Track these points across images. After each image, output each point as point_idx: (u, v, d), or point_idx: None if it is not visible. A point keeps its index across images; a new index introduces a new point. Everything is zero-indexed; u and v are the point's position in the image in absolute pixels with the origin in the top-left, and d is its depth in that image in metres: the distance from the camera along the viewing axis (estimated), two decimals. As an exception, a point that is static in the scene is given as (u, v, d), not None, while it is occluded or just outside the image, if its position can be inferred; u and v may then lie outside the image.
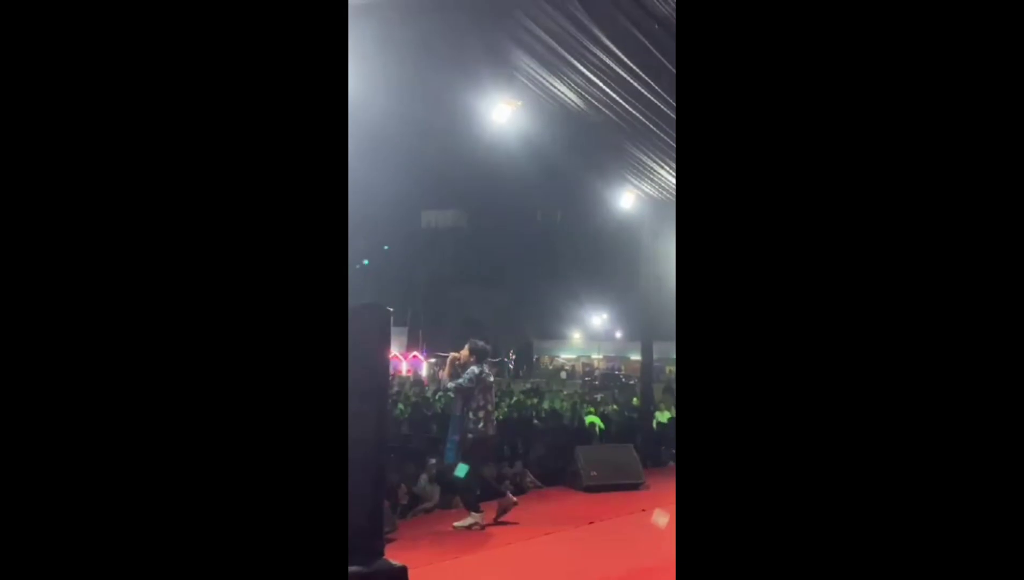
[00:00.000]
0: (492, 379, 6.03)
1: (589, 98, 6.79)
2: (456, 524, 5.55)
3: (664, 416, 10.65)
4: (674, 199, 8.82)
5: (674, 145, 7.18)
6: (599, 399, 14.58)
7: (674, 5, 4.90)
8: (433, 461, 6.67)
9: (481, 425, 5.61)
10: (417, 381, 21.34)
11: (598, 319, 44.56)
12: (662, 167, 8.36)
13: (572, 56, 6.06)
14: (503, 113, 7.30)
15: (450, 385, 5.79)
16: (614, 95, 6.58)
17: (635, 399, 12.61)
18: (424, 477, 6.41)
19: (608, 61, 5.98)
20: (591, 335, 45.05)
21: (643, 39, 5.47)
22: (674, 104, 6.23)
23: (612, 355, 41.76)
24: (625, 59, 5.86)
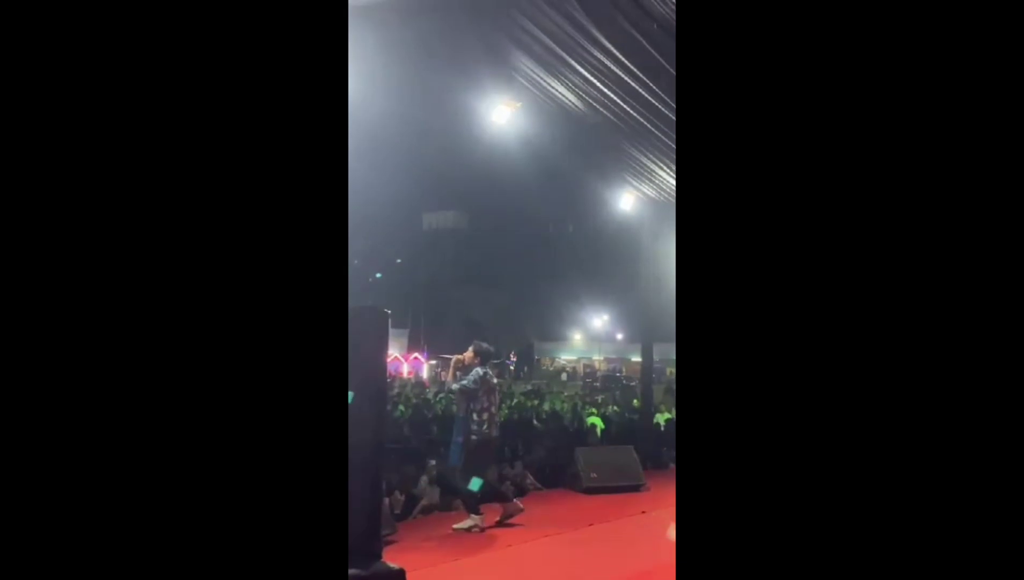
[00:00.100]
0: (496, 381, 6.04)
1: (588, 99, 6.80)
2: (456, 526, 5.55)
3: (664, 417, 10.65)
4: (673, 201, 8.82)
5: (673, 146, 7.18)
6: (600, 400, 14.59)
7: (672, 6, 4.90)
8: (433, 462, 6.66)
9: (485, 427, 5.62)
10: (418, 382, 21.37)
11: (599, 320, 44.60)
12: (661, 168, 8.35)
13: (571, 57, 6.06)
14: (503, 114, 7.30)
15: (454, 387, 5.80)
16: (613, 96, 6.58)
17: (635, 401, 12.62)
18: (424, 479, 6.40)
19: (607, 62, 5.98)
20: (592, 336, 45.08)
21: (642, 40, 5.47)
22: (673, 105, 6.23)
23: (613, 356, 41.79)
24: (624, 60, 5.86)
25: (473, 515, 5.54)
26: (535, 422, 9.86)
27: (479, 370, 5.70)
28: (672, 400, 11.59)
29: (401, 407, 10.67)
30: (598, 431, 9.65)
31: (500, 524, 5.69)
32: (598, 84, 6.40)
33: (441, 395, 11.93)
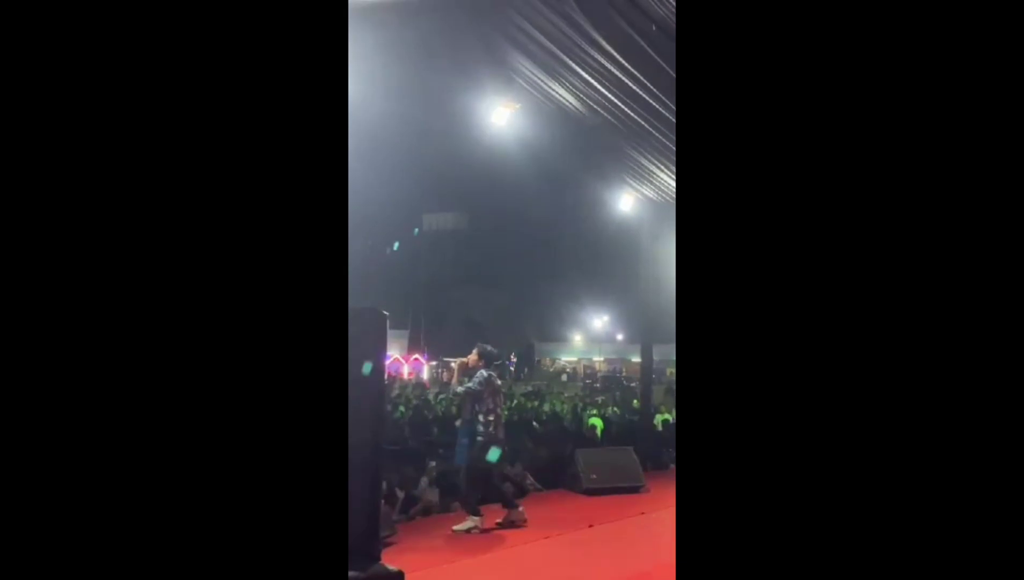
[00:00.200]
0: (500, 382, 6.07)
1: (587, 100, 6.80)
2: (455, 528, 5.55)
3: (661, 418, 10.65)
4: (673, 202, 8.82)
5: (672, 147, 7.19)
6: (600, 401, 14.60)
7: (671, 7, 4.90)
8: (433, 463, 6.67)
9: (491, 428, 5.66)
10: (418, 384, 21.37)
11: (599, 321, 44.61)
12: (660, 169, 8.35)
13: (570, 58, 6.07)
14: (502, 116, 7.32)
15: (459, 389, 5.86)
16: (612, 97, 6.58)
17: (635, 401, 12.62)
18: (424, 480, 6.40)
19: (606, 63, 5.98)
20: (592, 337, 45.08)
21: (640, 41, 5.47)
22: (672, 106, 6.23)
23: (613, 357, 41.79)
24: (623, 61, 5.86)
25: (472, 516, 5.55)
26: (534, 423, 9.86)
27: (483, 372, 5.76)
28: (672, 401, 11.58)
29: (401, 408, 10.68)
30: (598, 432, 9.65)
31: (499, 525, 5.69)
32: (596, 85, 6.40)
33: (442, 396, 11.93)
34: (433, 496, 6.34)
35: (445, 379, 22.09)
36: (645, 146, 7.77)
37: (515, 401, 12.68)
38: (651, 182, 8.88)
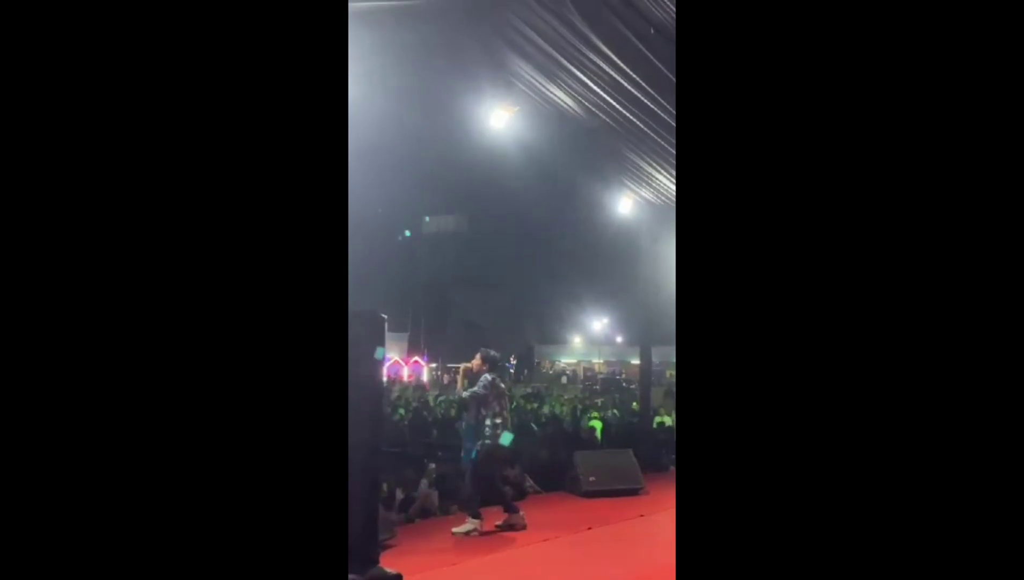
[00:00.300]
0: (504, 386, 6.11)
1: (586, 103, 6.81)
2: (455, 530, 5.56)
3: (659, 420, 10.64)
4: (671, 204, 8.83)
5: (670, 150, 7.20)
6: (600, 403, 14.58)
7: (670, 10, 4.92)
8: (433, 466, 6.68)
9: (498, 431, 5.71)
10: (418, 386, 21.36)
11: (598, 323, 44.57)
12: (659, 172, 8.36)
13: (568, 61, 6.08)
14: (501, 119, 7.34)
15: (465, 394, 5.90)
16: (611, 100, 6.59)
17: (635, 404, 12.61)
18: (424, 482, 6.41)
19: (604, 66, 6.00)
20: (592, 339, 45.03)
21: (639, 44, 5.49)
22: (670, 109, 6.24)
23: (613, 359, 41.74)
24: (621, 64, 5.88)
25: (472, 519, 5.56)
26: (533, 425, 9.85)
27: (487, 376, 5.83)
28: (672, 403, 11.57)
29: (401, 410, 10.67)
30: (598, 434, 9.65)
31: (499, 529, 5.70)
32: (595, 88, 6.42)
33: (441, 399, 11.93)
34: (432, 498, 6.34)
35: (446, 382, 22.07)
36: (643, 148, 7.79)
37: (515, 403, 12.67)
38: (649, 184, 8.89)
